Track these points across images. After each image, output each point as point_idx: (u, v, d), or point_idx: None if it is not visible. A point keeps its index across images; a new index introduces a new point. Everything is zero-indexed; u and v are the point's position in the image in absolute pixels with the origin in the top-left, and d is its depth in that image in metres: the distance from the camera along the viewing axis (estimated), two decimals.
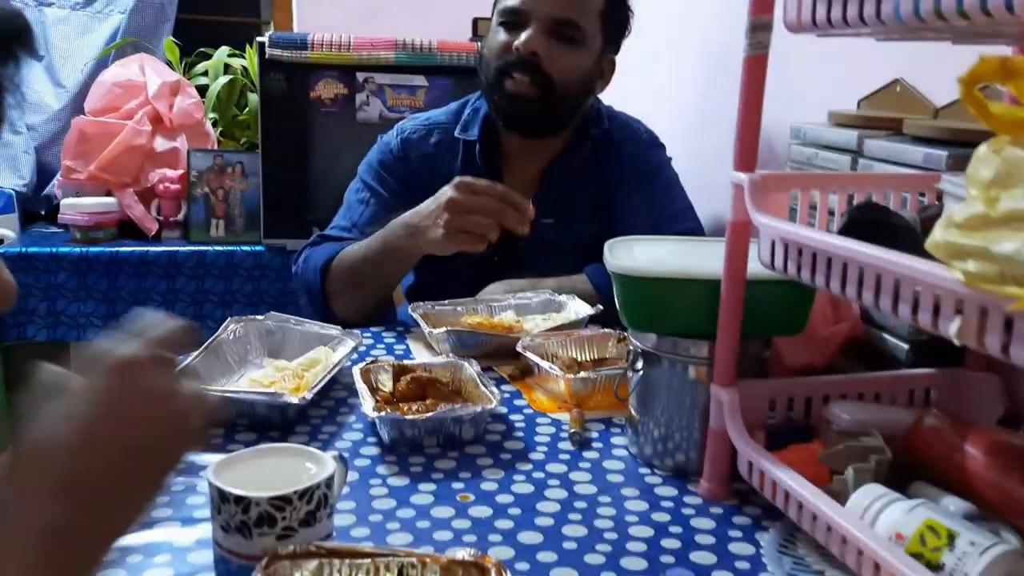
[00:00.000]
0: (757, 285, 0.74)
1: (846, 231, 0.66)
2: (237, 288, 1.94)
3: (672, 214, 1.35)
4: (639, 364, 0.83)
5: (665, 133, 1.45)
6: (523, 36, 1.26)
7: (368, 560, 0.58)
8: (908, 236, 0.66)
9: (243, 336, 1.04)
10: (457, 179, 1.16)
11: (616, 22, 1.35)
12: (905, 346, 0.87)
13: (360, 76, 1.86)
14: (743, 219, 0.71)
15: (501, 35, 1.29)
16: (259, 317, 1.07)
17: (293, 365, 0.99)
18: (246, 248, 1.93)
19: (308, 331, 1.07)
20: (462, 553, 0.59)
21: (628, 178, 1.37)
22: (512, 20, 1.28)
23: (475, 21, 2.12)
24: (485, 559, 0.57)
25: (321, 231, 1.38)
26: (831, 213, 0.78)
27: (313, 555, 0.57)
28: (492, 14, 1.35)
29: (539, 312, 1.21)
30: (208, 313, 1.92)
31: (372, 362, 0.97)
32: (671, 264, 0.83)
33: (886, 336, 0.89)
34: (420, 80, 1.88)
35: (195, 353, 0.97)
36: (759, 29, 0.68)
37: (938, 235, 0.49)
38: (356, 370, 0.93)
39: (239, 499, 0.59)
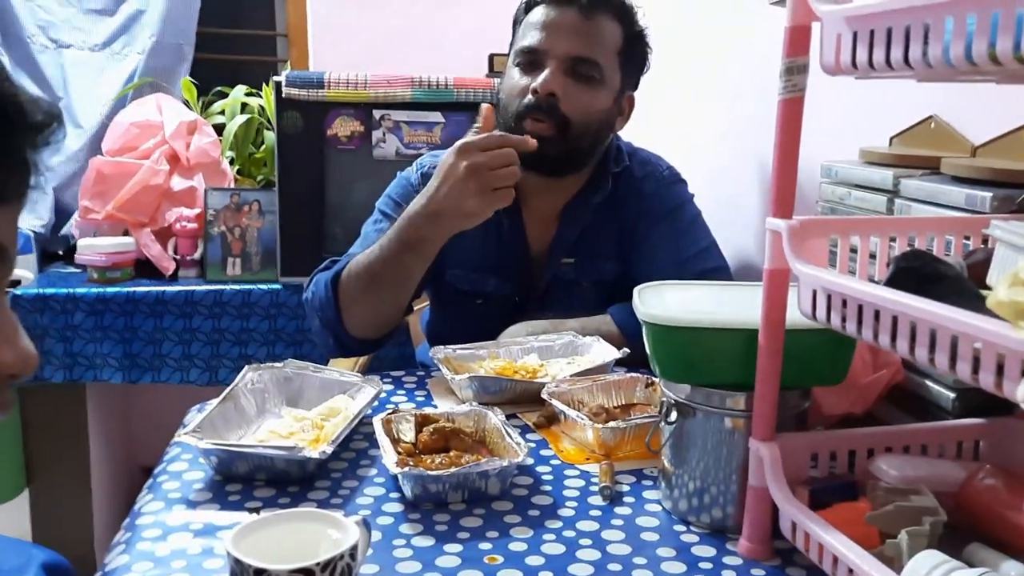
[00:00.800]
0: (796, 334, 0.71)
1: (892, 282, 0.63)
2: (254, 327, 1.92)
3: (696, 252, 1.32)
4: (672, 415, 0.80)
5: (687, 169, 1.42)
6: (540, 77, 1.24)
7: None
8: (957, 285, 0.63)
9: (261, 385, 1.02)
10: (459, 145, 1.11)
11: (634, 59, 1.33)
12: (951, 394, 0.83)
13: (377, 113, 1.86)
14: (781, 267, 0.68)
15: (518, 76, 1.27)
16: (277, 365, 1.04)
17: (312, 415, 0.96)
18: (263, 286, 1.92)
19: (327, 378, 1.04)
20: None
21: (649, 215, 1.35)
22: (529, 60, 1.27)
23: (491, 57, 2.11)
24: None
25: None
26: (872, 257, 0.75)
27: None
28: (508, 53, 1.33)
29: (563, 355, 1.18)
30: (224, 352, 1.91)
31: (393, 411, 0.94)
32: (706, 312, 0.80)
33: (930, 384, 0.86)
34: (437, 117, 1.87)
35: (213, 403, 0.95)
36: (795, 71, 0.66)
37: (1003, 294, 0.46)
38: (377, 421, 0.91)
39: (259, 572, 0.56)
